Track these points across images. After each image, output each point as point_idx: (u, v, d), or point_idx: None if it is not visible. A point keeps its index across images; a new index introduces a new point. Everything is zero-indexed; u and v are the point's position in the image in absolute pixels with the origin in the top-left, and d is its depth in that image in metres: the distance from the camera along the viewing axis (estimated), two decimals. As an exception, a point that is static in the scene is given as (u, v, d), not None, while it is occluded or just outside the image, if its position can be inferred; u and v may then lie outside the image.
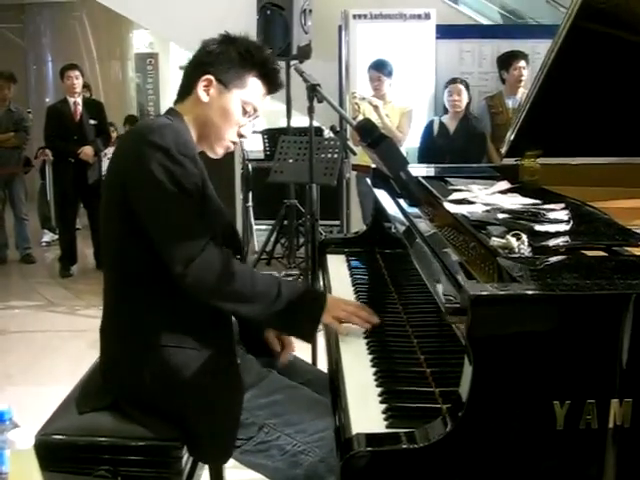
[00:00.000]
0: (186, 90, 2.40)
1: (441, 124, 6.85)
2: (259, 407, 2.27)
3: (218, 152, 2.43)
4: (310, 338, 2.42)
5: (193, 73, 2.37)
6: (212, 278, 2.17)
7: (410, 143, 6.81)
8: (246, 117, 2.41)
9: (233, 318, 2.44)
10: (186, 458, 2.30)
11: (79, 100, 7.92)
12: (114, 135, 10.04)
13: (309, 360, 3.11)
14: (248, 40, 2.43)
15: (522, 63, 6.79)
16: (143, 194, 2.20)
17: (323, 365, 2.53)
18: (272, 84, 2.44)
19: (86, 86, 9.32)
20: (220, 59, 2.35)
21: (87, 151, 7.77)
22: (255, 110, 2.42)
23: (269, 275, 2.30)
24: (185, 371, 2.24)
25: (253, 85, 2.39)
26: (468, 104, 6.85)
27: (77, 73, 7.89)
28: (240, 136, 2.43)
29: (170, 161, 2.17)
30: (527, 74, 6.76)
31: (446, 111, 6.93)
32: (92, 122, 7.95)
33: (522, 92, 6.66)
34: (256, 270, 2.31)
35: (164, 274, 2.19)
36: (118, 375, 2.33)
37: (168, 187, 2.16)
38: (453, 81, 6.82)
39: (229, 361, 2.33)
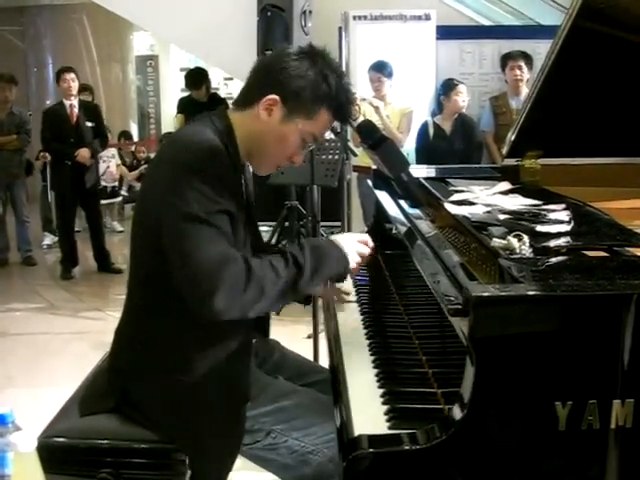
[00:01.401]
0: (247, 100, 2.19)
1: (436, 125, 6.85)
2: (265, 414, 2.26)
3: (260, 172, 2.30)
4: (344, 278, 2.46)
5: (260, 86, 2.16)
6: (239, 300, 1.98)
7: (410, 144, 6.81)
8: (303, 147, 2.24)
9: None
10: (189, 461, 2.29)
11: (75, 102, 7.91)
12: (109, 137, 10.06)
13: (310, 353, 3.11)
14: (330, 64, 2.19)
15: (518, 62, 6.79)
16: (169, 225, 2.04)
17: (325, 362, 2.53)
18: (342, 118, 2.26)
19: (88, 89, 9.33)
20: (293, 81, 2.12)
21: (84, 153, 7.76)
22: (316, 139, 2.25)
23: (277, 259, 2.09)
24: (197, 391, 2.18)
25: (321, 117, 2.17)
26: None
27: (73, 76, 7.89)
28: (291, 162, 2.27)
29: (206, 189, 2.00)
30: (527, 74, 6.76)
31: (440, 111, 6.93)
32: (89, 124, 7.95)
33: (525, 92, 6.66)
34: (269, 258, 2.10)
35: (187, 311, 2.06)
36: (125, 381, 2.28)
37: (193, 216, 1.98)
38: (456, 82, 6.82)
39: (245, 385, 2.28)
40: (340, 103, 2.19)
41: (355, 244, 2.25)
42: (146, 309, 2.24)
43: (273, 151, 2.21)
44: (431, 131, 6.82)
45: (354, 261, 2.23)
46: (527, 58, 6.83)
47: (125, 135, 12.46)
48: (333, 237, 2.27)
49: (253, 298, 2.00)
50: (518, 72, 6.79)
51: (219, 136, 2.12)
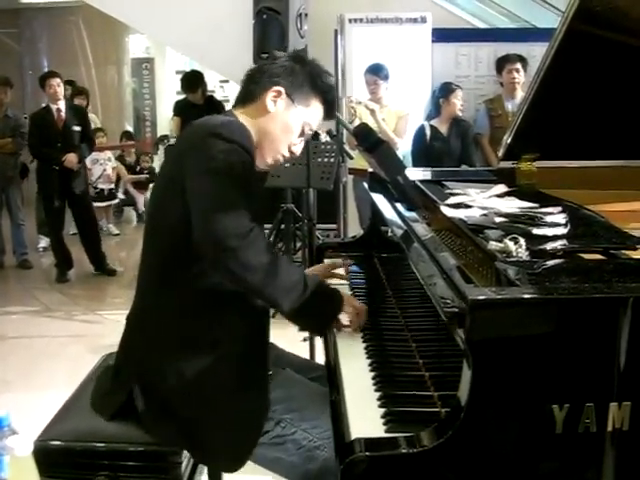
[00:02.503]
0: (250, 96, 2.41)
1: (433, 128, 6.86)
2: (276, 401, 2.28)
3: (267, 162, 2.42)
4: (323, 331, 2.44)
5: (262, 81, 2.39)
6: (263, 256, 2.11)
7: (407, 147, 6.81)
8: (301, 137, 2.44)
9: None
10: (185, 463, 2.30)
11: (62, 106, 7.88)
12: (104, 140, 10.06)
13: (307, 356, 3.11)
14: (319, 65, 2.48)
15: (515, 66, 6.80)
16: (201, 176, 2.16)
17: (321, 361, 2.54)
18: (330, 112, 2.50)
19: (83, 92, 9.32)
20: (292, 75, 2.39)
21: (71, 158, 7.71)
22: (310, 131, 2.47)
23: (294, 265, 2.30)
24: (212, 380, 2.23)
25: (316, 108, 2.43)
26: None
27: (58, 80, 7.84)
28: (291, 153, 2.45)
29: (234, 154, 2.17)
30: (523, 77, 6.77)
31: (437, 114, 6.94)
32: (76, 128, 7.91)
33: (521, 95, 6.67)
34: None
35: (206, 279, 2.18)
36: (137, 371, 2.30)
37: (227, 172, 2.13)
38: (454, 87, 6.83)
39: (261, 375, 2.32)
40: (330, 97, 2.48)
41: (353, 307, 2.39)
42: (160, 290, 2.32)
43: (278, 140, 2.41)
44: (428, 134, 6.82)
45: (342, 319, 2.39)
46: (523, 61, 6.84)
47: (127, 135, 12.49)
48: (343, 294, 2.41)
49: (269, 271, 2.12)
50: (515, 75, 6.80)
51: (244, 133, 2.29)
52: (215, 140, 2.18)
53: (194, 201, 2.15)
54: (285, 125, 2.39)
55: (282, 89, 2.36)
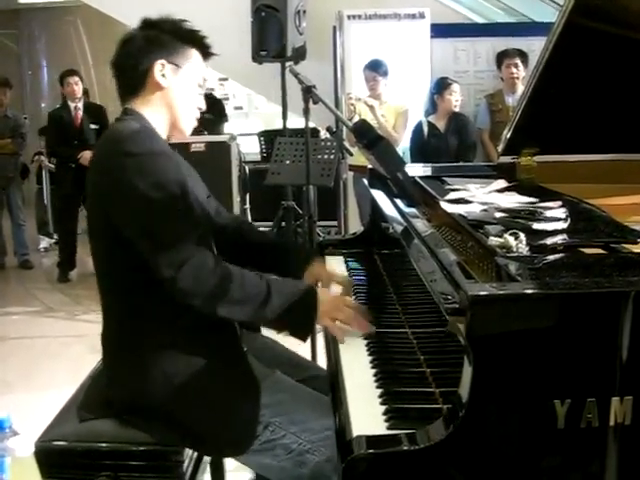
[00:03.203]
0: (136, 84, 2.37)
1: (430, 124, 6.85)
2: (264, 406, 2.26)
3: (188, 131, 2.44)
4: (305, 337, 2.35)
5: (138, 65, 2.34)
6: (204, 282, 2.14)
7: (406, 143, 6.81)
8: (200, 89, 2.44)
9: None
10: (187, 463, 2.29)
11: (80, 105, 7.95)
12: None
13: (308, 354, 3.11)
14: (169, 18, 2.46)
15: (514, 60, 6.80)
16: (126, 207, 2.18)
17: (322, 362, 2.53)
18: (206, 49, 2.46)
19: (85, 92, 9.32)
20: (160, 42, 2.36)
21: (87, 156, 7.73)
22: (205, 80, 2.46)
23: (257, 274, 2.24)
24: (190, 376, 2.22)
25: (195, 57, 2.41)
26: None
27: (76, 79, 7.93)
28: (199, 109, 2.45)
29: (149, 167, 2.17)
30: (523, 71, 6.76)
31: (434, 110, 6.93)
32: (93, 126, 7.94)
33: (522, 89, 6.65)
34: (244, 270, 2.24)
35: (158, 281, 2.17)
36: (121, 383, 2.30)
37: (150, 195, 2.14)
38: (449, 81, 6.82)
39: (237, 361, 2.33)
40: (195, 37, 2.44)
41: (331, 307, 2.30)
42: (117, 303, 2.37)
43: (185, 106, 2.41)
44: (425, 130, 6.82)
45: (324, 322, 2.31)
46: (523, 56, 6.84)
47: None
48: (319, 292, 2.35)
49: (215, 288, 2.15)
50: (514, 70, 6.80)
51: (137, 122, 2.30)
52: (127, 160, 2.18)
53: (126, 232, 2.19)
54: (184, 89, 2.38)
55: (162, 60, 2.33)
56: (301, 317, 2.27)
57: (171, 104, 2.37)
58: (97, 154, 2.40)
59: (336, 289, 2.61)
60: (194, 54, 2.40)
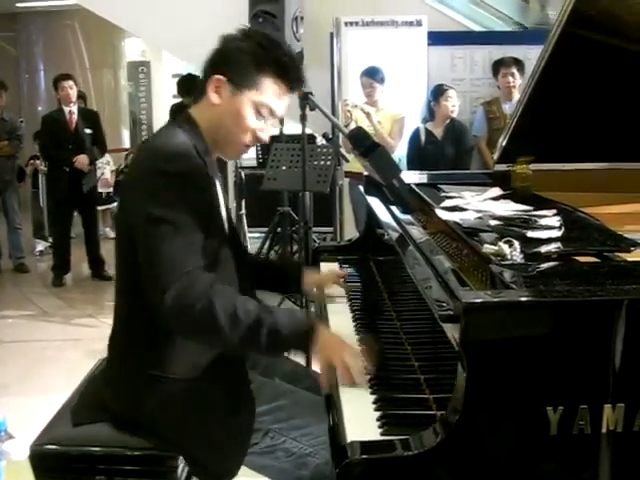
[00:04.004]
0: (200, 92, 2.26)
1: (427, 131, 6.86)
2: (263, 413, 2.26)
3: (231, 156, 2.39)
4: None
5: (206, 73, 2.24)
6: (190, 309, 1.98)
7: (402, 150, 6.82)
8: (262, 120, 2.24)
9: None
10: (181, 468, 2.30)
11: (74, 109, 7.93)
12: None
13: (303, 362, 3.11)
14: (264, 35, 2.28)
15: (510, 70, 6.81)
16: (141, 226, 2.08)
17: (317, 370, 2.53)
18: (290, 82, 2.26)
19: (81, 96, 9.32)
20: (233, 58, 2.20)
21: (82, 160, 7.76)
22: (272, 112, 2.25)
23: (253, 303, 2.09)
24: (192, 403, 2.20)
25: (268, 86, 2.21)
26: None
27: (71, 83, 7.91)
28: (258, 140, 2.28)
29: (176, 187, 2.06)
30: (520, 79, 6.77)
31: (431, 117, 6.94)
32: (88, 131, 7.95)
33: (518, 97, 6.67)
34: (240, 297, 2.10)
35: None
36: (121, 389, 2.29)
37: (160, 217, 2.03)
38: (446, 87, 6.83)
39: (240, 393, 2.29)
40: (282, 67, 2.22)
41: (330, 351, 2.09)
42: (133, 317, 2.26)
43: (233, 130, 2.24)
44: (422, 137, 6.82)
45: (318, 359, 2.13)
46: (519, 64, 6.85)
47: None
48: (322, 330, 2.15)
49: (202, 315, 1.99)
50: (510, 79, 6.81)
51: (188, 135, 2.18)
52: (159, 180, 2.07)
53: (140, 250, 2.09)
54: (235, 114, 2.21)
55: (222, 77, 2.18)
56: (294, 347, 2.18)
57: (218, 123, 2.24)
58: (137, 164, 2.29)
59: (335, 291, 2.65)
60: (267, 83, 2.21)
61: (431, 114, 6.96)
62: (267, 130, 2.29)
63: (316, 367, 2.20)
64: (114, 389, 2.32)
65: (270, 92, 2.22)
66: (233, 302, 2.03)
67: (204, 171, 2.18)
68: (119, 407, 2.28)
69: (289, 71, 2.25)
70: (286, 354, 2.30)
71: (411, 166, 6.64)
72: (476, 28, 8.32)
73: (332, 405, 1.98)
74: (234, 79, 2.19)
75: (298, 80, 2.29)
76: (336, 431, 1.83)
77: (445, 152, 6.70)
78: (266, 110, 2.23)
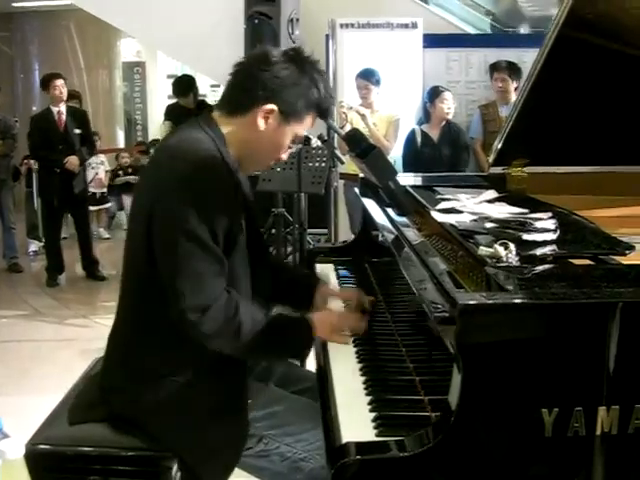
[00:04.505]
0: (239, 107, 2.23)
1: (423, 133, 6.86)
2: (257, 419, 2.26)
3: (249, 173, 2.42)
4: (304, 358, 2.45)
5: (254, 94, 2.19)
6: (220, 329, 2.10)
7: (397, 152, 6.82)
8: (290, 147, 2.34)
9: None
10: (176, 468, 2.29)
11: (63, 109, 7.87)
12: (98, 144, 10.02)
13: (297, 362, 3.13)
14: (318, 69, 2.26)
15: (502, 75, 6.81)
16: (170, 236, 2.08)
17: (311, 366, 2.54)
18: (325, 117, 2.36)
19: (77, 96, 9.29)
20: (288, 90, 2.19)
21: (73, 161, 7.72)
22: (299, 138, 2.34)
23: (259, 312, 2.21)
24: (190, 406, 2.21)
25: (309, 119, 2.28)
26: None
27: (62, 82, 7.85)
28: (278, 161, 2.38)
29: (200, 203, 2.06)
30: (515, 83, 6.77)
31: (427, 119, 6.95)
32: (77, 131, 7.89)
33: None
34: (255, 312, 2.21)
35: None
36: (119, 387, 2.29)
37: (193, 232, 2.05)
38: (441, 89, 6.83)
39: (239, 403, 2.29)
40: (325, 106, 2.31)
41: (331, 328, 2.34)
42: (138, 316, 2.26)
43: (266, 155, 2.31)
44: (418, 139, 6.82)
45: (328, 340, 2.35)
46: (513, 69, 6.84)
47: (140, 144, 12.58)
48: (311, 317, 2.33)
49: (230, 338, 2.14)
50: (501, 84, 6.82)
51: (213, 143, 2.18)
52: (182, 193, 2.07)
53: (161, 258, 2.11)
54: (276, 143, 2.26)
55: (276, 107, 2.18)
56: (300, 348, 2.33)
57: (255, 147, 2.26)
58: (157, 164, 2.28)
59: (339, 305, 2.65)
60: (309, 118, 2.26)
61: (427, 116, 6.96)
62: (287, 153, 2.37)
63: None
64: (113, 386, 2.31)
65: (308, 124, 2.29)
66: (255, 325, 2.17)
67: (231, 183, 2.18)
68: (117, 404, 2.27)
69: (328, 109, 2.34)
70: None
71: (407, 168, 6.63)
72: (471, 31, 8.34)
73: (327, 406, 1.99)
74: (284, 111, 2.21)
75: (328, 112, 2.37)
76: (331, 432, 1.83)
77: (441, 154, 6.70)
78: (299, 138, 2.33)
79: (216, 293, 2.10)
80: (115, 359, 2.35)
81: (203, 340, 2.12)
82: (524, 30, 9.27)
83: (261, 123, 2.20)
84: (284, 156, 2.36)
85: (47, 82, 7.90)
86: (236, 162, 2.25)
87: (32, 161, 9.55)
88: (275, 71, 2.19)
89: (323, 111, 2.31)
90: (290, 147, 2.35)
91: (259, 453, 2.24)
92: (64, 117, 7.84)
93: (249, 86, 2.22)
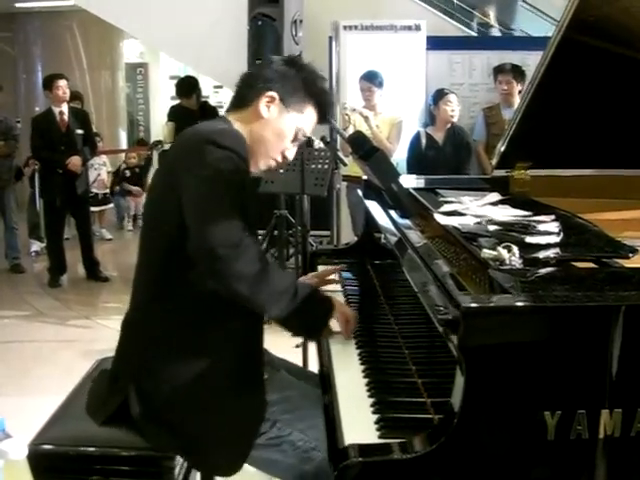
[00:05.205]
0: (244, 101, 2.39)
1: (428, 136, 6.85)
2: (272, 403, 2.29)
3: (261, 168, 2.43)
4: (318, 337, 2.44)
5: (256, 86, 2.37)
6: (253, 268, 2.14)
7: (400, 154, 6.82)
8: (294, 142, 2.42)
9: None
10: (178, 469, 2.30)
11: (65, 109, 7.88)
12: (100, 145, 10.03)
13: (300, 363, 3.13)
14: (313, 69, 2.44)
15: (506, 77, 6.81)
16: (196, 181, 2.17)
17: (314, 367, 2.54)
18: (323, 117, 2.47)
19: (78, 97, 9.30)
20: (286, 80, 2.36)
21: (75, 162, 7.73)
22: (303, 136, 2.44)
23: (286, 271, 2.31)
24: (207, 386, 2.23)
25: (310, 113, 2.41)
26: None
27: (65, 82, 7.86)
28: (284, 158, 2.43)
29: (228, 161, 2.17)
30: (519, 86, 6.78)
31: (432, 122, 6.95)
32: (79, 132, 7.90)
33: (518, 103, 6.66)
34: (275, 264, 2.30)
35: (201, 286, 2.17)
36: (133, 376, 2.30)
37: (222, 179, 2.15)
38: (446, 91, 6.83)
39: (256, 380, 2.33)
40: (324, 101, 2.45)
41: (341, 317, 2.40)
42: (157, 297, 2.32)
43: (271, 145, 2.39)
44: (423, 141, 6.81)
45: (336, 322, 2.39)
46: (517, 71, 6.84)
47: (141, 142, 12.57)
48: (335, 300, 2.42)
49: (259, 280, 2.15)
50: (506, 87, 6.82)
51: (228, 125, 2.33)
52: (210, 147, 2.18)
53: (189, 208, 2.17)
54: (279, 131, 2.37)
55: (276, 94, 2.34)
56: (319, 320, 2.35)
57: (260, 136, 2.36)
58: (182, 140, 2.39)
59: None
60: (309, 111, 2.40)
61: (432, 118, 6.96)
62: (293, 151, 2.46)
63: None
64: (131, 372, 2.32)
65: (309, 119, 2.42)
66: (277, 267, 2.33)
67: (247, 170, 2.31)
68: (138, 391, 2.28)
69: (327, 105, 2.48)
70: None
71: (411, 170, 6.62)
72: (475, 33, 8.34)
73: (330, 408, 1.99)
74: (285, 99, 2.36)
75: (327, 114, 2.50)
76: (334, 434, 1.83)
77: (446, 157, 6.68)
78: (301, 134, 2.42)
79: (245, 235, 2.15)
80: (132, 346, 2.36)
81: (231, 279, 2.13)
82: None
83: (264, 110, 2.34)
84: (290, 155, 2.43)
85: (50, 82, 7.90)
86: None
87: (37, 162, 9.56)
88: (274, 66, 2.41)
89: (323, 106, 2.43)
90: (295, 144, 2.43)
91: (270, 441, 2.25)
92: (66, 117, 7.84)
93: (251, 82, 2.40)
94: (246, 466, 2.32)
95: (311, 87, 2.39)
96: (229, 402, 2.25)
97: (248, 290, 2.15)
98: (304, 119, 2.40)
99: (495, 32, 8.55)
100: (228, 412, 2.25)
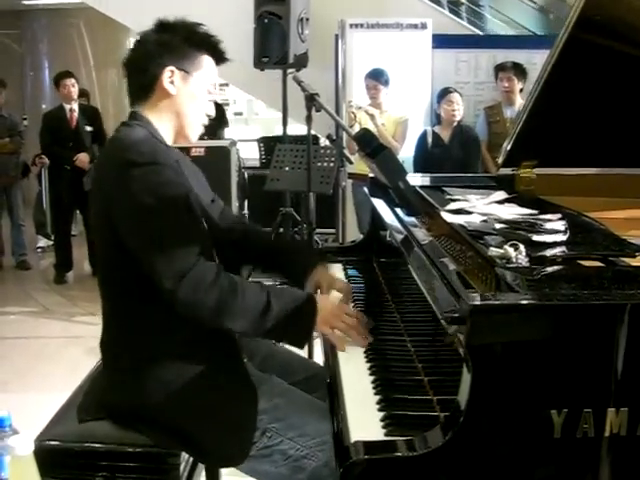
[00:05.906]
0: (145, 89, 2.36)
1: (434, 134, 6.85)
2: (261, 412, 2.26)
3: (193, 138, 2.43)
4: (303, 345, 2.36)
5: (149, 69, 2.33)
6: (204, 294, 2.12)
7: (405, 152, 6.81)
8: (210, 96, 2.42)
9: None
10: (184, 465, 2.30)
11: (75, 107, 7.94)
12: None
13: (305, 354, 3.12)
14: (185, 22, 2.42)
15: (508, 74, 6.81)
16: (131, 219, 2.16)
17: (318, 358, 2.53)
18: (220, 56, 2.43)
19: (85, 94, 9.31)
20: (171, 48, 2.33)
21: (83, 158, 7.77)
22: (215, 86, 2.43)
23: (257, 284, 2.23)
24: (188, 385, 2.23)
25: (207, 63, 2.38)
26: None
27: (73, 81, 7.91)
28: (208, 116, 2.42)
29: (153, 179, 2.16)
30: (520, 84, 6.78)
31: (439, 121, 6.94)
32: (88, 129, 7.96)
33: (519, 102, 6.67)
34: (244, 280, 2.25)
35: (158, 291, 2.16)
36: (119, 388, 2.30)
37: (154, 205, 2.13)
38: (449, 90, 6.82)
39: (235, 369, 2.34)
40: (211, 43, 2.40)
41: (331, 316, 2.28)
42: (118, 309, 2.36)
43: (192, 113, 2.38)
44: (429, 140, 6.81)
45: (323, 329, 2.30)
46: (518, 69, 6.84)
47: None
48: (319, 299, 2.35)
49: (215, 300, 2.13)
50: (507, 84, 6.82)
51: (144, 130, 2.30)
52: (130, 171, 2.16)
53: (129, 243, 2.18)
54: (192, 97, 2.35)
55: (173, 67, 2.31)
56: (299, 326, 2.26)
57: (179, 111, 2.35)
58: (101, 162, 2.40)
59: (336, 294, 2.60)
60: (205, 60, 2.37)
61: (438, 117, 6.96)
62: (212, 105, 2.45)
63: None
64: (114, 385, 2.33)
65: (210, 68, 2.39)
66: (243, 286, 2.19)
67: (172, 156, 2.31)
68: (121, 402, 2.29)
69: (217, 44, 2.42)
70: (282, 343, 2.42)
71: (417, 169, 6.62)
72: (480, 32, 8.33)
73: (336, 405, 1.99)
74: (181, 65, 2.32)
75: (223, 52, 2.44)
76: (340, 431, 1.83)
77: (452, 156, 6.68)
78: (212, 86, 2.41)
79: (191, 259, 2.13)
80: (110, 359, 2.39)
81: (187, 309, 2.14)
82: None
83: (170, 88, 2.32)
84: (211, 110, 2.43)
85: (58, 81, 7.99)
86: (172, 137, 2.37)
87: (44, 157, 9.56)
88: (151, 41, 2.36)
89: (214, 47, 2.40)
90: (211, 97, 2.42)
91: (262, 451, 2.23)
92: (76, 114, 7.90)
93: (141, 67, 2.36)
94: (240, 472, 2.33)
95: (194, 39, 2.36)
96: (216, 393, 2.25)
97: (209, 316, 2.16)
98: (207, 72, 2.38)
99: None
100: (218, 402, 2.24)
